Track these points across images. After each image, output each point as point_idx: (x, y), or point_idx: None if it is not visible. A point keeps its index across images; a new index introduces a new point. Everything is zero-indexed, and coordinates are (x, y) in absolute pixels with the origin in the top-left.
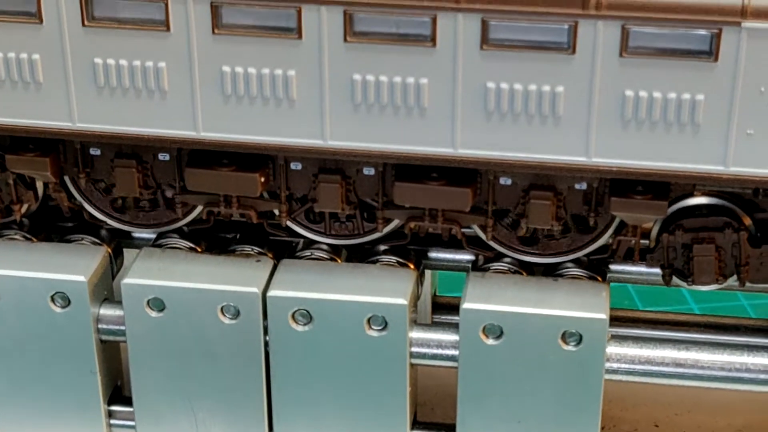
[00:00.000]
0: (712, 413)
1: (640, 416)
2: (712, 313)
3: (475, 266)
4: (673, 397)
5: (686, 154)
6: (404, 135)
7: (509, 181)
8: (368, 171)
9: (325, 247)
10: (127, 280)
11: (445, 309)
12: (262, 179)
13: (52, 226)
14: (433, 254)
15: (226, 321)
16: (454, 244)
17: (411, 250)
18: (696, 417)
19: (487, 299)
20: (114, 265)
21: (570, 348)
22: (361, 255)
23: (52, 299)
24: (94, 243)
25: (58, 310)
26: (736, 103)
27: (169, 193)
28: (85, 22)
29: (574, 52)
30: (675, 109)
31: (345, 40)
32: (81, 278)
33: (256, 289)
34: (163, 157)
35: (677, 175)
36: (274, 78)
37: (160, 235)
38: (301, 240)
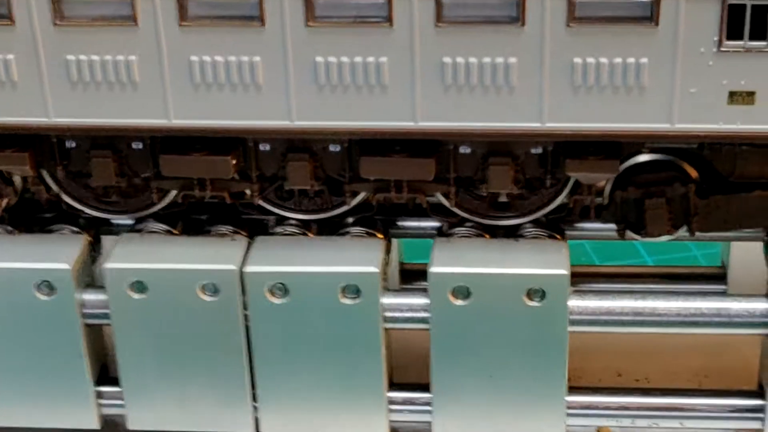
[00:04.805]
0: (670, 358)
1: (602, 366)
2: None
3: (441, 232)
4: (631, 346)
5: (634, 114)
6: (367, 111)
7: (468, 150)
8: (334, 148)
9: (296, 222)
10: (109, 265)
11: (412, 276)
12: (234, 161)
13: (30, 217)
14: (399, 223)
15: (206, 298)
16: (418, 212)
17: (378, 220)
18: (655, 363)
19: (453, 262)
20: (94, 252)
21: (534, 304)
22: (331, 228)
23: (37, 287)
24: (73, 232)
25: (44, 297)
26: (678, 64)
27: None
28: (56, 22)
29: (523, 24)
30: (621, 73)
31: (306, 24)
32: (65, 266)
33: (233, 266)
34: (137, 145)
35: (627, 135)
36: (241, 65)
37: (137, 221)
38: (272, 217)
